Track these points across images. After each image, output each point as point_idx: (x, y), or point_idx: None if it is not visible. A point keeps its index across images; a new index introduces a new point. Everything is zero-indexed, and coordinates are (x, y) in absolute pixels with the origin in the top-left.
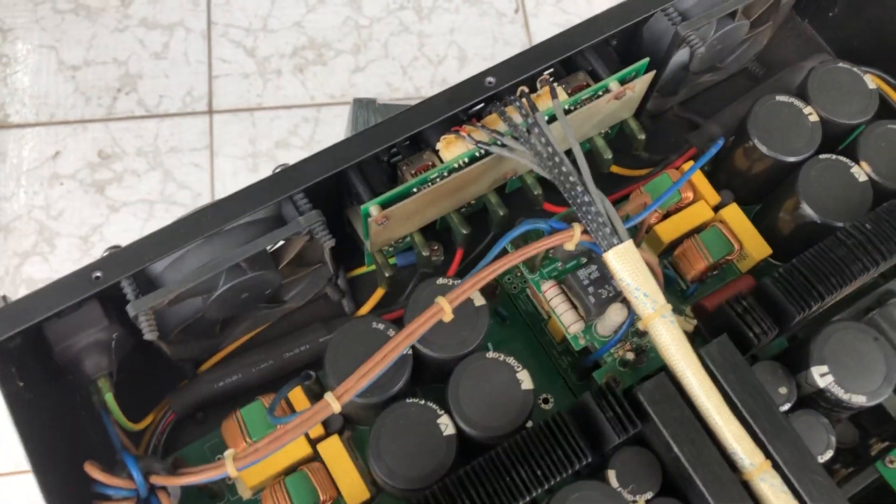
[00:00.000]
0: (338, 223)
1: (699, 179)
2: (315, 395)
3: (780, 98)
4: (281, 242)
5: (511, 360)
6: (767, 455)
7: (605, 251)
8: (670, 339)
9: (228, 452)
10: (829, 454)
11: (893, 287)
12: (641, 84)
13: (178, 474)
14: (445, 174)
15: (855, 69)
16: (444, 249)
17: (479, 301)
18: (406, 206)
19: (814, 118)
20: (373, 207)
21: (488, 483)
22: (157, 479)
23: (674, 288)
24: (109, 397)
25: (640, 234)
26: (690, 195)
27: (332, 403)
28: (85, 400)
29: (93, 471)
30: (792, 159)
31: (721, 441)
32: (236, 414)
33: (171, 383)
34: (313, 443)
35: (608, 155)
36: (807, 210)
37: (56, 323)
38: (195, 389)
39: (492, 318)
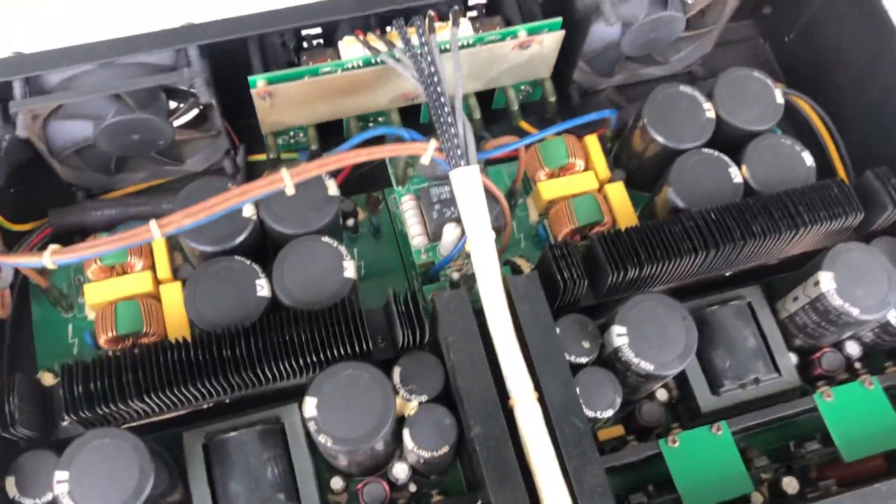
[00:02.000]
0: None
1: (595, 151)
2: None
3: (684, 88)
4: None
5: (343, 249)
6: (538, 390)
7: (450, 169)
8: (482, 261)
9: (48, 250)
10: (609, 412)
11: (742, 294)
12: (550, 41)
13: (7, 256)
14: (339, 71)
15: (768, 81)
16: None
17: (333, 191)
18: (292, 89)
19: (710, 114)
20: (260, 80)
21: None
22: None
23: (540, 246)
24: None
25: (517, 182)
26: (582, 164)
27: (154, 230)
28: None
29: None
30: (678, 146)
31: (500, 364)
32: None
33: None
34: (159, 283)
35: (515, 107)
36: (673, 198)
37: None
38: (76, 211)
39: (366, 227)
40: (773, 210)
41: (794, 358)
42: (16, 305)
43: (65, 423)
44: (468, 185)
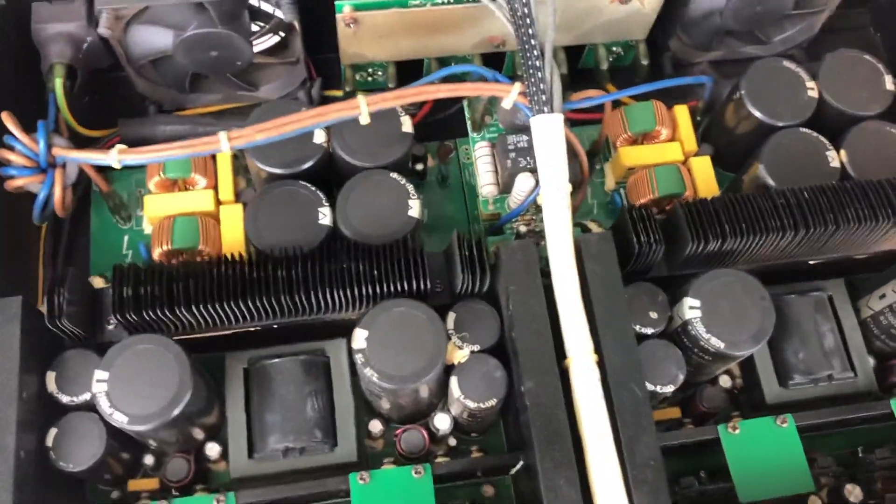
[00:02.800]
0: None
1: (684, 122)
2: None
3: (787, 64)
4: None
5: (410, 187)
6: (599, 353)
7: (532, 115)
8: (554, 214)
9: (115, 148)
10: (670, 388)
11: (824, 287)
12: (652, 0)
13: (72, 150)
14: (428, 5)
15: (879, 66)
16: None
17: (407, 128)
18: (377, 18)
19: (813, 93)
20: (347, 5)
21: (327, 264)
22: (57, 150)
23: (615, 215)
24: (59, 83)
25: (598, 143)
26: (668, 133)
27: (223, 141)
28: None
29: (8, 119)
30: (774, 123)
31: (560, 323)
32: None
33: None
34: (220, 204)
35: (604, 66)
36: (763, 175)
37: (44, 6)
38: (146, 124)
39: (434, 175)
40: (872, 196)
41: (872, 361)
42: (76, 212)
43: (110, 327)
44: (549, 134)
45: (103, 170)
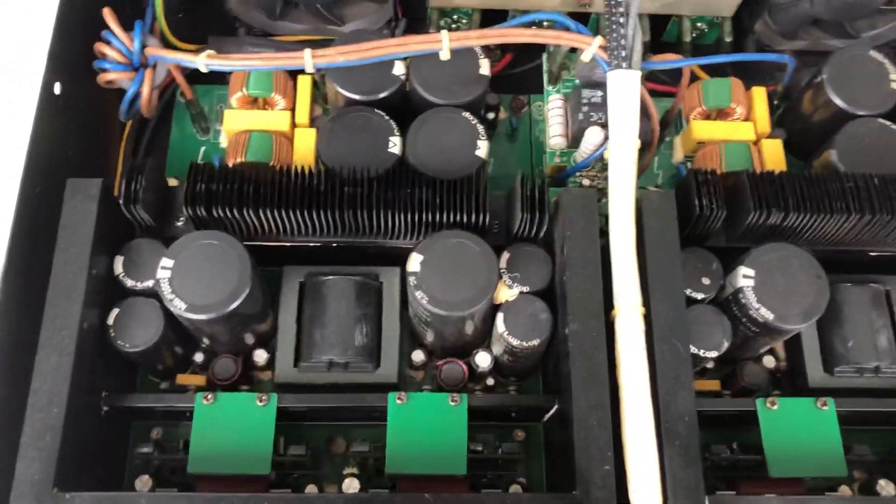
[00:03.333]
0: None
1: (760, 102)
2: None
3: (873, 54)
4: None
5: (480, 128)
6: (647, 307)
7: (610, 69)
8: (619, 167)
9: (204, 52)
10: (713, 353)
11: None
12: None
13: (164, 49)
14: None
15: None
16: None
17: (485, 70)
18: None
19: (895, 86)
20: None
21: (392, 187)
22: (150, 50)
23: None
24: None
25: (672, 112)
26: (743, 112)
27: (307, 58)
28: None
29: (108, 15)
30: (854, 111)
31: (612, 271)
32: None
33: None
34: (295, 126)
35: (686, 38)
36: (835, 161)
37: None
38: (234, 42)
39: (504, 127)
40: None
41: None
42: (159, 117)
43: (179, 223)
44: (624, 90)
45: (191, 80)
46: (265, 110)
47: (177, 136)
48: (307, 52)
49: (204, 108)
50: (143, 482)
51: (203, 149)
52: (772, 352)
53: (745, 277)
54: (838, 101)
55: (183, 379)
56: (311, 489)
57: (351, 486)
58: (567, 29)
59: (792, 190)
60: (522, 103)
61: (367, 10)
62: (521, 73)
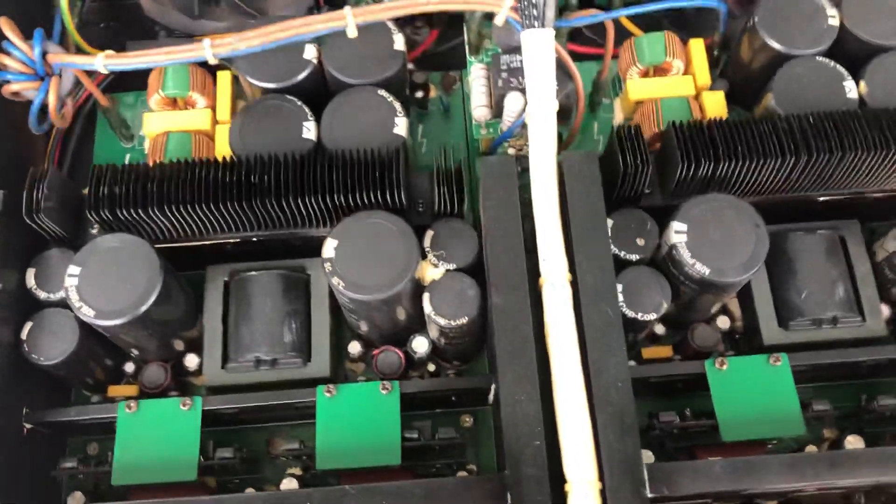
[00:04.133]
0: None
1: (698, 55)
2: None
3: None
4: None
5: (397, 105)
6: (573, 273)
7: (522, 30)
8: (538, 131)
9: (102, 53)
10: (652, 315)
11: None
12: None
13: (65, 55)
14: None
15: None
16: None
17: (399, 46)
18: None
19: (834, 21)
20: None
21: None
22: (51, 57)
23: None
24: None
25: (603, 73)
26: (681, 66)
27: (206, 49)
28: None
29: (6, 25)
30: (791, 52)
31: (537, 240)
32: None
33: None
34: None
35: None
36: (773, 105)
37: None
38: (153, 47)
39: (436, 105)
40: (885, 123)
41: (886, 310)
42: (82, 130)
43: (94, 231)
44: (539, 50)
45: (108, 89)
46: (186, 110)
47: (101, 145)
48: (206, 41)
49: (127, 116)
50: (76, 499)
51: (128, 157)
52: (726, 311)
53: (677, 233)
54: (773, 43)
55: (114, 391)
56: (249, 492)
57: (289, 485)
58: None
59: (721, 137)
60: (454, 80)
61: (288, 0)
62: (449, 49)
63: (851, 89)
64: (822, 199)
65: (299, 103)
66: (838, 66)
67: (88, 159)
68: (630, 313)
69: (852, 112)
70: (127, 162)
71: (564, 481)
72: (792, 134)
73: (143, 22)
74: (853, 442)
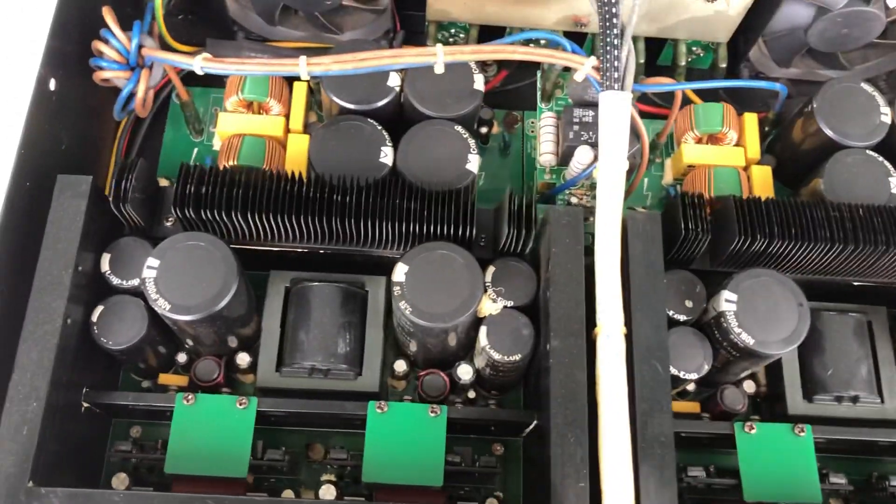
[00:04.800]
0: None
1: (751, 129)
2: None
3: (865, 86)
4: None
5: (472, 142)
6: (628, 326)
7: (602, 90)
8: (607, 187)
9: (200, 55)
10: (694, 376)
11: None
12: (738, 2)
13: (161, 50)
14: None
15: None
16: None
17: (479, 86)
18: None
19: (886, 119)
20: None
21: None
22: (146, 51)
23: None
24: None
25: (662, 136)
26: (735, 137)
27: (302, 65)
28: None
29: (108, 14)
30: (843, 142)
31: (596, 290)
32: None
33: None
34: (289, 132)
35: (682, 62)
36: (821, 190)
37: None
38: (231, 46)
39: (497, 142)
40: None
41: None
42: (153, 119)
43: (168, 224)
44: (615, 111)
45: (187, 82)
46: (260, 115)
47: (170, 136)
48: (302, 59)
49: (199, 111)
50: (120, 480)
51: (196, 150)
52: (752, 376)
53: (727, 302)
54: (828, 131)
55: (165, 379)
56: (288, 494)
57: (327, 492)
58: (562, 48)
59: (777, 216)
60: (515, 119)
61: (365, 20)
62: (515, 89)
63: (895, 184)
64: (856, 283)
65: (379, 128)
66: (885, 161)
67: (156, 147)
68: (673, 371)
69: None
70: (195, 156)
71: None
72: (842, 223)
73: (223, 20)
74: None
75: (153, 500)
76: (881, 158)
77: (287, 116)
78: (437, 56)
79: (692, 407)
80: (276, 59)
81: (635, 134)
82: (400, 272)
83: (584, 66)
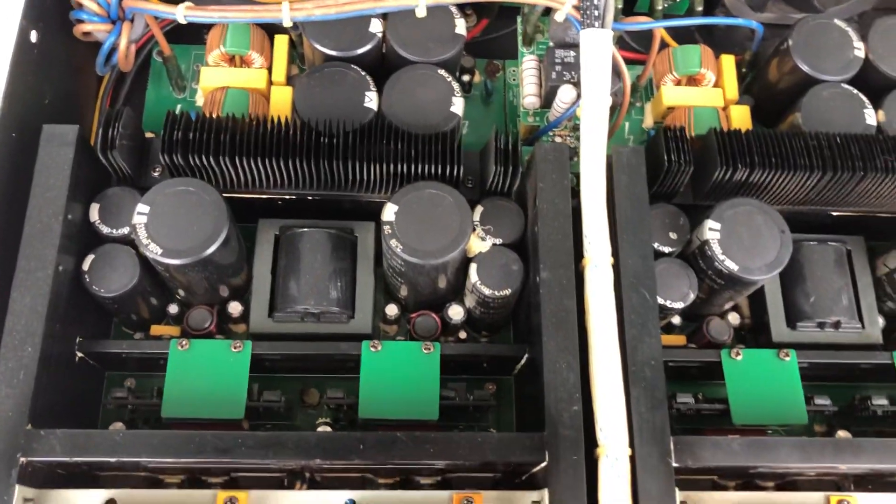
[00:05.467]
0: None
1: (729, 70)
2: None
3: (838, 22)
4: None
5: (456, 85)
6: (615, 257)
7: (582, 28)
8: (590, 123)
9: (182, 4)
10: (680, 304)
11: (844, 240)
12: None
13: (142, 1)
14: None
15: None
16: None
17: (461, 30)
18: None
19: (860, 53)
20: None
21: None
22: (127, 2)
23: None
24: None
25: (642, 78)
26: (713, 78)
27: (284, 12)
28: None
29: None
30: (818, 77)
31: (583, 223)
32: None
33: None
34: (272, 84)
35: (659, 6)
36: (799, 124)
37: None
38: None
39: (479, 90)
40: None
41: (881, 321)
42: (136, 75)
43: (155, 174)
44: (596, 48)
45: (169, 39)
46: (242, 68)
47: (153, 93)
48: (285, 4)
49: (181, 67)
50: (117, 428)
51: (179, 107)
52: (737, 308)
53: (711, 230)
54: (804, 67)
55: (157, 330)
56: None
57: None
58: None
59: (758, 146)
60: (497, 68)
61: None
62: (496, 38)
63: (871, 116)
64: (835, 213)
65: (363, 73)
66: (861, 94)
67: (138, 103)
68: (660, 300)
69: (874, 136)
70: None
71: (596, 445)
72: (821, 150)
73: None
74: (843, 437)
75: (154, 437)
76: (856, 91)
77: (269, 69)
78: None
79: (679, 340)
80: (258, 7)
81: (616, 72)
82: (390, 212)
83: (565, 6)
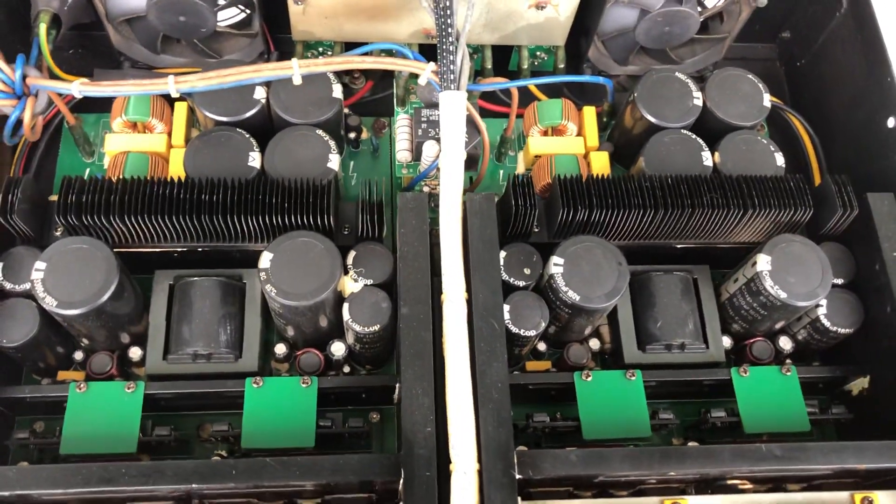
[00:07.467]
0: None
1: (590, 121)
2: None
3: (679, 74)
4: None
5: (332, 143)
6: (469, 292)
7: (440, 90)
8: (448, 174)
9: (78, 80)
10: (532, 332)
11: (690, 269)
12: (566, 7)
13: (43, 78)
14: None
15: (760, 85)
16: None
17: (337, 94)
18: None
19: (698, 102)
20: None
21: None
22: (30, 80)
23: None
24: (43, 28)
25: (508, 130)
26: (575, 129)
27: (171, 84)
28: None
29: None
30: (662, 124)
31: (441, 264)
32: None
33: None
34: (171, 147)
35: (525, 65)
36: (643, 167)
37: None
38: (118, 74)
39: (367, 146)
40: (728, 188)
41: (728, 341)
42: (50, 142)
43: (58, 234)
44: (453, 108)
45: (74, 109)
46: (144, 133)
47: (65, 158)
48: (171, 77)
49: (88, 134)
50: (21, 466)
51: (88, 170)
52: (597, 335)
53: (555, 265)
54: (647, 116)
55: (63, 375)
56: None
57: None
58: (405, 56)
59: (596, 190)
60: (383, 124)
61: (241, 44)
62: (382, 98)
63: (708, 159)
64: (679, 246)
65: (247, 135)
66: (698, 138)
67: (51, 169)
68: (514, 329)
69: (703, 177)
70: (87, 175)
71: (449, 462)
72: (653, 191)
73: (109, 52)
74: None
75: (43, 471)
76: (695, 136)
77: (170, 134)
78: (293, 69)
79: (544, 365)
80: (146, 80)
81: (477, 129)
82: (266, 259)
83: (426, 71)
